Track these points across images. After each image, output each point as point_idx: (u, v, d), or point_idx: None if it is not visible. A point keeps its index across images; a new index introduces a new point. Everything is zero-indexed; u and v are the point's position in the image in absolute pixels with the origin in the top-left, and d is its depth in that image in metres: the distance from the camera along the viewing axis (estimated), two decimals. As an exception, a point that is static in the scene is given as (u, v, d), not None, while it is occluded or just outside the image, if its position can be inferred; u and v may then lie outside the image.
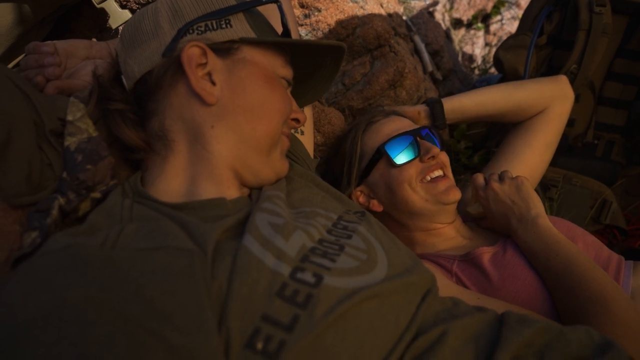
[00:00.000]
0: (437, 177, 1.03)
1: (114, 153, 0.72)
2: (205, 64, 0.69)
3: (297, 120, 0.80)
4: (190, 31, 0.69)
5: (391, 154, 1.04)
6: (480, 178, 1.06)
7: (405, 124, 1.11)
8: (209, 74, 0.70)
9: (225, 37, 0.70)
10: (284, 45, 0.77)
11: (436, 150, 1.02)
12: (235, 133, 0.70)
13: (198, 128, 0.69)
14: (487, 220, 1.07)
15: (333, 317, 0.48)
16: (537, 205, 0.94)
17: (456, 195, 1.01)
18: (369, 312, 0.52)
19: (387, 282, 0.56)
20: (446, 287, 0.82)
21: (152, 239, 0.54)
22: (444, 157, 1.08)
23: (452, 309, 0.60)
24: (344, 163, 1.13)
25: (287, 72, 0.78)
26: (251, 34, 0.72)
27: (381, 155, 1.06)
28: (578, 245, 0.91)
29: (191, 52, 0.67)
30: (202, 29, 0.70)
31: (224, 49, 0.71)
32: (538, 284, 0.86)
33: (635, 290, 0.87)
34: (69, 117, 0.69)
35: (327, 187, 0.83)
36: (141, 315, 0.43)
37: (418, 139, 1.05)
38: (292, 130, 0.96)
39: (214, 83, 0.69)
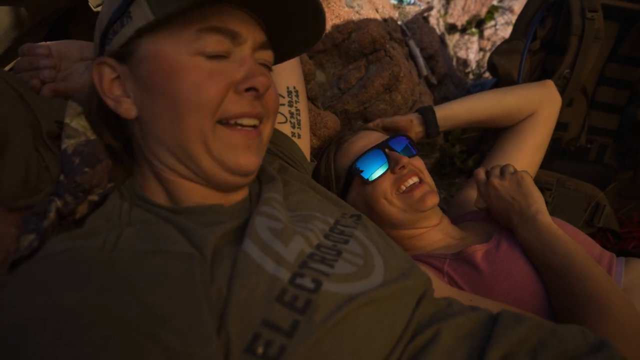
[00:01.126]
0: (412, 185, 1.03)
1: (111, 156, 0.72)
2: (119, 76, 0.65)
3: (253, 88, 0.64)
4: (108, 42, 0.64)
5: (362, 172, 1.05)
6: (481, 173, 1.07)
7: (372, 139, 1.12)
8: (124, 87, 0.65)
9: (124, 38, 0.62)
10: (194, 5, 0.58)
11: (405, 159, 1.02)
12: (164, 145, 0.65)
13: (138, 143, 0.68)
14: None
15: (332, 323, 0.49)
16: (538, 201, 0.95)
17: (433, 200, 1.01)
18: (367, 318, 0.52)
19: (384, 287, 0.56)
20: (439, 289, 0.82)
21: (152, 242, 0.54)
22: (417, 162, 1.08)
23: (446, 309, 0.60)
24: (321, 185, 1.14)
25: (211, 38, 0.62)
26: (149, 18, 0.59)
27: (353, 175, 1.07)
28: None
29: (97, 72, 0.64)
30: (111, 36, 0.63)
31: (123, 54, 0.64)
32: (533, 280, 0.86)
33: (627, 286, 0.88)
34: (67, 120, 0.69)
35: (324, 190, 0.83)
36: (138, 317, 0.43)
37: (386, 151, 1.06)
38: (290, 135, 0.95)
39: (129, 96, 0.65)
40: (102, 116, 0.69)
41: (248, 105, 0.65)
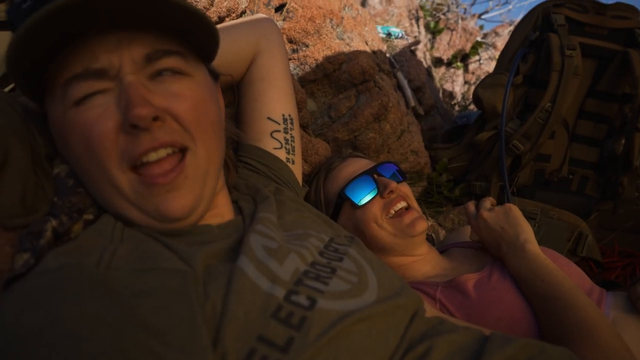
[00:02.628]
0: (401, 210, 1.07)
1: None
2: None
3: (135, 125, 0.56)
4: None
5: (352, 197, 1.08)
6: (471, 207, 1.11)
7: (361, 165, 1.15)
8: None
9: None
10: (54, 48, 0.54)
11: (393, 184, 1.06)
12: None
13: None
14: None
15: (326, 339, 0.49)
16: (526, 231, 0.97)
17: (422, 225, 1.04)
18: (361, 334, 0.53)
19: (378, 305, 0.57)
20: (431, 314, 0.83)
21: (146, 260, 0.55)
22: (404, 188, 1.11)
23: (438, 326, 0.61)
24: None
25: (78, 86, 0.56)
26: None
27: (343, 200, 1.10)
28: None
29: None
30: None
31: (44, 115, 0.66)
32: (524, 308, 0.87)
33: (615, 319, 0.89)
34: None
35: (317, 212, 0.84)
36: (135, 333, 0.44)
37: (375, 176, 1.09)
38: (285, 160, 0.98)
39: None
40: None
41: (148, 139, 0.57)
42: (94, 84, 0.56)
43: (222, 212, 0.73)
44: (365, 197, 1.07)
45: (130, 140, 0.57)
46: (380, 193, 1.07)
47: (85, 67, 0.56)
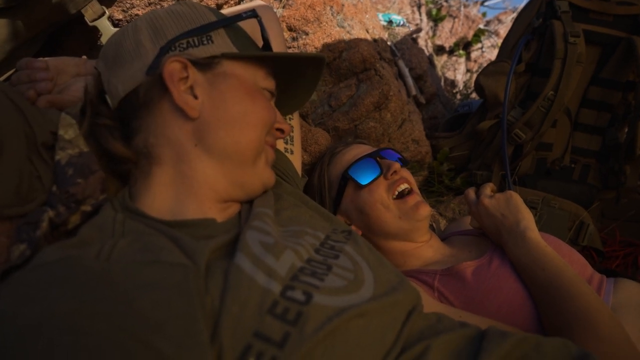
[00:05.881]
0: (404, 191, 1.07)
1: (105, 168, 0.73)
2: (187, 78, 0.69)
3: (281, 130, 0.80)
4: (173, 48, 0.70)
5: (356, 177, 1.08)
6: (471, 193, 1.10)
7: (365, 149, 1.16)
8: (191, 88, 0.70)
9: (206, 53, 0.71)
10: (265, 58, 0.78)
11: (397, 165, 1.07)
12: (218, 148, 0.70)
13: (181, 146, 0.69)
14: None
15: (322, 334, 0.49)
16: (526, 218, 0.97)
17: (426, 209, 1.04)
18: (357, 330, 0.53)
19: (374, 301, 0.57)
20: (429, 305, 0.83)
21: (147, 253, 0.54)
22: (406, 173, 1.12)
23: (436, 324, 0.61)
24: (315, 197, 1.17)
25: (269, 83, 0.79)
26: (232, 49, 0.73)
27: (347, 181, 1.10)
28: None
29: (172, 67, 0.68)
30: (184, 45, 0.70)
31: (205, 64, 0.71)
32: (523, 297, 0.87)
33: (614, 306, 0.89)
34: (61, 132, 0.69)
35: (315, 206, 0.84)
36: (134, 326, 0.44)
37: (378, 159, 1.10)
38: (283, 150, 0.97)
39: (196, 97, 0.70)
40: (107, 129, 0.70)
41: (272, 137, 0.79)
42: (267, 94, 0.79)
43: (236, 207, 0.75)
44: (368, 178, 1.07)
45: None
46: (384, 174, 1.06)
47: (269, 87, 0.79)
